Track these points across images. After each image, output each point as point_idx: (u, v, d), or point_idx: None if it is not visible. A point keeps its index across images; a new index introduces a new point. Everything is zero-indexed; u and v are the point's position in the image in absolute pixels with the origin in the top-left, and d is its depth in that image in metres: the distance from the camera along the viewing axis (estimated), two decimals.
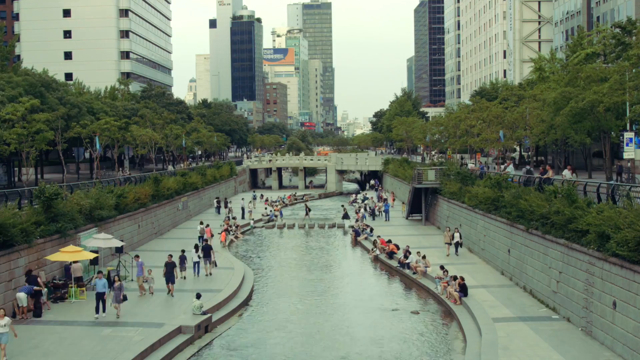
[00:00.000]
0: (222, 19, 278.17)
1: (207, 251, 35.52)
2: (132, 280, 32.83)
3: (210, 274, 35.03)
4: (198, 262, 35.05)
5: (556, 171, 45.33)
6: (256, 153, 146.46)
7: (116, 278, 26.45)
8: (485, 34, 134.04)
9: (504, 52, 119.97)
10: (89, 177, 60.20)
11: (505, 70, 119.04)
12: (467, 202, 41.30)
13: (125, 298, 26.00)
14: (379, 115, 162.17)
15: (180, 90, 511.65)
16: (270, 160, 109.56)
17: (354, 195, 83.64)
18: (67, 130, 54.48)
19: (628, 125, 36.83)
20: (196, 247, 37.15)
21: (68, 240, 30.48)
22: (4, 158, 50.51)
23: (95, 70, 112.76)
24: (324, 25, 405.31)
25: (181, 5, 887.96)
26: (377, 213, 60.18)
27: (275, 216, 63.70)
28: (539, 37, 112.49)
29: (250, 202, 66.93)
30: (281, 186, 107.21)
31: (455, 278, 30.02)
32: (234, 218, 58.12)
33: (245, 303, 30.86)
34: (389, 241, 42.44)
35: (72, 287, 28.79)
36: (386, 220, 57.63)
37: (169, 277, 29.89)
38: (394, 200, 66.60)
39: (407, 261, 37.03)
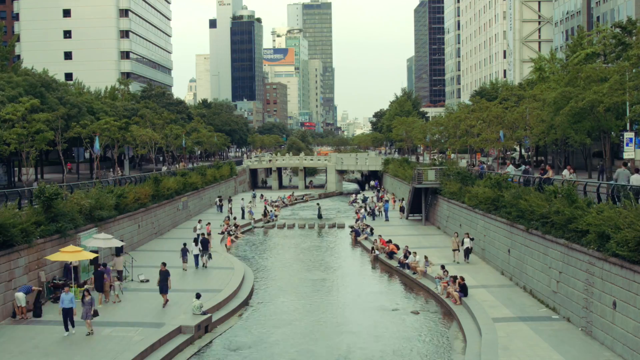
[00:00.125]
0: (222, 19, 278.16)
1: (205, 244, 38.31)
2: (132, 280, 32.90)
3: (205, 266, 37.12)
4: (198, 255, 37.34)
5: (556, 171, 45.32)
6: (256, 153, 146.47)
7: (86, 293, 23.95)
8: (485, 34, 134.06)
9: (504, 52, 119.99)
10: (89, 177, 60.19)
11: (505, 70, 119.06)
12: (467, 202, 41.31)
13: (96, 314, 23.78)
14: (379, 115, 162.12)
15: (180, 90, 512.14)
16: (270, 160, 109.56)
17: (354, 195, 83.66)
18: (67, 130, 54.48)
19: (628, 125, 36.81)
20: (195, 241, 38.62)
21: (68, 240, 30.47)
22: (4, 158, 50.52)
23: (95, 70, 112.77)
24: (324, 25, 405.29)
25: (181, 5, 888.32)
26: (377, 213, 60.18)
27: (276, 216, 63.77)
28: (539, 37, 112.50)
29: (250, 201, 66.99)
30: (281, 186, 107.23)
31: (455, 278, 30.03)
32: (234, 218, 58.15)
33: (245, 303, 30.87)
34: (389, 241, 42.46)
35: (72, 287, 28.77)
36: (386, 220, 57.67)
37: (163, 287, 27.72)
38: (394, 202, 66.52)
39: (407, 261, 37.05)
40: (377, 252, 42.82)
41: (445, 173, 50.30)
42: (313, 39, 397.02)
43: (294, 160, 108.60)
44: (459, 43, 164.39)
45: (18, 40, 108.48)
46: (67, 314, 23.49)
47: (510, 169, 43.07)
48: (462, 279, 29.58)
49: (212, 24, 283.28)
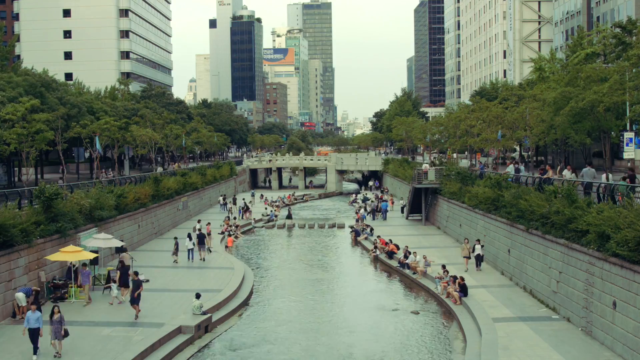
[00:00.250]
0: (222, 19, 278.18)
1: (201, 239, 39.41)
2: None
3: (204, 259, 38.75)
4: (192, 249, 38.38)
5: (556, 171, 45.29)
6: (256, 153, 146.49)
7: (55, 309, 21.38)
8: (485, 34, 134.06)
9: (504, 52, 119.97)
10: (89, 177, 60.19)
11: (505, 70, 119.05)
12: (467, 202, 41.31)
13: (67, 333, 21.30)
14: (379, 115, 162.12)
15: (180, 90, 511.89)
16: (270, 160, 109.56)
17: (354, 195, 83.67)
18: (67, 130, 54.47)
19: (628, 125, 36.83)
20: (189, 235, 39.52)
21: (68, 240, 30.48)
22: (4, 158, 50.51)
23: (95, 70, 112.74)
24: (324, 25, 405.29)
25: (181, 5, 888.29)
26: (377, 211, 60.31)
27: (276, 216, 63.80)
28: (539, 37, 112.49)
29: (250, 201, 67.10)
30: (281, 186, 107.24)
31: (455, 278, 30.03)
32: (234, 218, 58.16)
33: (245, 303, 30.87)
34: (389, 241, 42.47)
35: (72, 287, 28.80)
36: (383, 219, 57.73)
37: (134, 298, 25.46)
38: (392, 203, 66.45)
39: (407, 261, 37.04)
40: (377, 252, 42.83)
41: (445, 173, 50.32)
42: (313, 39, 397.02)
43: (294, 160, 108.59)
44: (459, 43, 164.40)
45: (18, 40, 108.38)
46: (34, 334, 21.10)
47: (511, 169, 43.04)
48: (462, 279, 29.58)
49: (212, 24, 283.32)
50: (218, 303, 28.58)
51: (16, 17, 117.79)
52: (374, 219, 58.24)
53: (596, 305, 22.17)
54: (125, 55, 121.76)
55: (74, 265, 29.67)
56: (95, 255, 30.65)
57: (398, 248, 40.79)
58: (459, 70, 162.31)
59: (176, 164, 78.77)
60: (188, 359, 23.11)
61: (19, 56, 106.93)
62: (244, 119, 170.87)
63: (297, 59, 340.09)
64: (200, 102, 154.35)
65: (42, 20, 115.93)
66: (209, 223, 46.25)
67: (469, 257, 34.70)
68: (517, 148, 73.50)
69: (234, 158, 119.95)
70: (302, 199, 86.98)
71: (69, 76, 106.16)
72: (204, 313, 26.29)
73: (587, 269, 22.91)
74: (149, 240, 45.65)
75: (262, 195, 79.92)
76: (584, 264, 23.18)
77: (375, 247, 43.43)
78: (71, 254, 28.05)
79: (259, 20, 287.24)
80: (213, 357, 23.51)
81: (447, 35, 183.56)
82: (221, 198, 69.07)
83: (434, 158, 70.34)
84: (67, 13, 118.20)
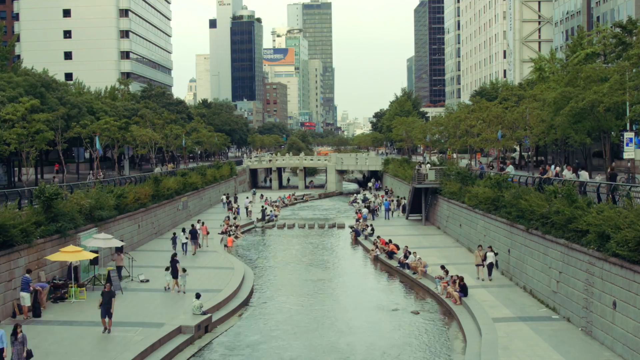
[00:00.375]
0: (222, 19, 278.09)
1: (193, 234, 41.93)
2: (132, 280, 32.91)
3: (194, 253, 41.32)
4: (186, 243, 41.57)
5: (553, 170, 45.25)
6: (256, 153, 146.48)
7: (18, 329, 19.23)
8: (485, 34, 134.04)
9: (504, 52, 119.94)
10: (86, 177, 60.13)
11: (505, 70, 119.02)
12: (467, 202, 41.31)
13: (30, 354, 19.46)
14: (379, 115, 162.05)
15: (180, 90, 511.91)
16: (270, 160, 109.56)
17: (354, 195, 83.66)
18: (67, 130, 54.45)
19: (628, 125, 36.78)
20: (183, 230, 42.97)
21: (68, 240, 30.48)
22: (4, 158, 50.50)
23: (95, 70, 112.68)
24: (324, 25, 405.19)
25: (181, 5, 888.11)
26: (377, 213, 60.36)
27: (276, 216, 63.80)
28: (539, 37, 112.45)
29: (251, 201, 67.09)
30: (281, 186, 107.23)
31: (455, 279, 30.04)
32: (234, 218, 58.16)
33: (245, 303, 30.87)
34: (389, 241, 42.46)
35: (72, 287, 28.80)
36: (386, 219, 57.82)
37: (106, 310, 23.67)
38: (399, 206, 66.22)
39: (407, 261, 37.04)
40: (377, 252, 42.83)
41: (445, 173, 50.32)
42: (313, 39, 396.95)
43: (294, 160, 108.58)
44: (459, 43, 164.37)
45: (18, 40, 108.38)
46: None
47: (510, 169, 43.09)
48: (462, 279, 29.59)
49: (212, 24, 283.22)
50: (218, 303, 28.58)
51: (16, 17, 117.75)
52: (373, 218, 58.25)
53: (596, 305, 22.17)
54: (125, 55, 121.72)
55: (74, 266, 29.70)
56: (95, 255, 30.67)
57: (398, 248, 40.79)
58: (459, 70, 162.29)
59: (170, 164, 77.95)
60: (188, 359, 23.11)
61: (19, 56, 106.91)
62: (244, 119, 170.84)
63: (297, 59, 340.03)
64: (200, 102, 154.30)
65: (42, 20, 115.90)
66: (203, 224, 46.41)
67: (482, 265, 32.29)
68: (517, 148, 73.47)
69: (234, 158, 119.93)
70: (302, 199, 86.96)
71: (69, 76, 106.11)
72: (204, 313, 26.29)
73: (587, 269, 22.91)
74: (149, 240, 45.66)
75: (262, 195, 79.91)
76: (584, 264, 23.18)
77: (376, 247, 43.42)
78: (71, 254, 28.06)
79: (259, 20, 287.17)
80: (213, 357, 23.51)
81: (447, 35, 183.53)
82: (224, 197, 69.14)
83: (425, 161, 69.75)
84: (67, 13, 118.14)
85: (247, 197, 69.02)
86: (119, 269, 32.65)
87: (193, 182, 61.81)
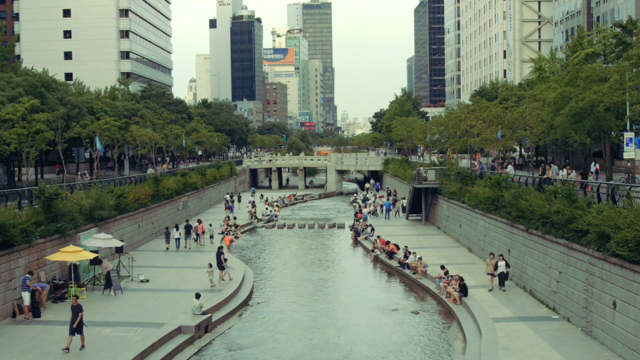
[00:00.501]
0: (222, 19, 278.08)
1: (187, 230, 44.46)
2: (132, 280, 32.91)
3: (189, 248, 43.25)
4: (179, 239, 43.16)
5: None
6: (256, 153, 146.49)
7: None
8: (485, 34, 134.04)
9: (504, 52, 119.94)
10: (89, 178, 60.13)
11: (505, 70, 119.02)
12: (467, 202, 41.31)
13: None
14: (379, 115, 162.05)
15: (180, 90, 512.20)
16: (270, 160, 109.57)
17: (354, 195, 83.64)
18: (67, 130, 54.43)
19: (628, 125, 36.77)
20: (177, 226, 44.49)
21: (68, 240, 30.48)
22: (4, 158, 50.49)
23: (95, 70, 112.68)
24: (324, 25, 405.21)
25: (181, 5, 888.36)
26: (378, 213, 60.36)
27: (276, 216, 63.79)
28: (539, 37, 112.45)
29: (253, 202, 67.17)
30: (281, 186, 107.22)
31: (454, 279, 30.03)
32: (234, 218, 58.18)
33: (245, 303, 30.88)
34: (389, 241, 42.45)
35: (72, 287, 28.80)
36: (386, 218, 57.86)
37: (75, 327, 21.74)
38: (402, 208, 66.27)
39: (407, 261, 37.03)
40: (377, 252, 42.82)
41: (445, 173, 50.31)
42: (313, 39, 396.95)
43: (294, 160, 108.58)
44: (459, 43, 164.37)
45: (18, 40, 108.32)
46: None
47: (510, 169, 43.08)
48: (462, 279, 29.59)
49: (212, 24, 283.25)
50: (218, 303, 28.58)
51: (16, 17, 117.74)
52: (374, 214, 58.52)
53: (596, 305, 22.17)
54: (125, 55, 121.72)
55: (74, 265, 29.70)
56: (95, 255, 30.67)
57: (398, 248, 40.79)
58: (459, 70, 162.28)
59: (165, 164, 77.03)
60: (188, 359, 23.11)
61: (19, 56, 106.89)
62: (244, 119, 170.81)
63: (297, 59, 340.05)
64: (200, 102, 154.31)
65: (42, 20, 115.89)
66: (201, 223, 46.88)
67: (493, 275, 30.32)
68: (517, 148, 73.45)
69: (234, 158, 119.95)
70: (303, 199, 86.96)
71: (69, 76, 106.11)
72: (204, 313, 26.29)
73: (587, 269, 22.91)
74: (149, 240, 45.68)
75: (262, 195, 79.92)
76: (584, 264, 23.18)
77: (375, 247, 43.42)
78: (71, 254, 28.06)
79: (259, 20, 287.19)
80: (213, 357, 23.51)
81: (447, 35, 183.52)
82: (227, 196, 69.54)
83: (432, 160, 69.96)
84: (67, 13, 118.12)
85: (253, 195, 69.83)
86: (117, 271, 32.65)
87: (193, 182, 61.84)
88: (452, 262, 36.00)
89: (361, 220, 55.44)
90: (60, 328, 24.06)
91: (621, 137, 34.69)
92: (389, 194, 70.62)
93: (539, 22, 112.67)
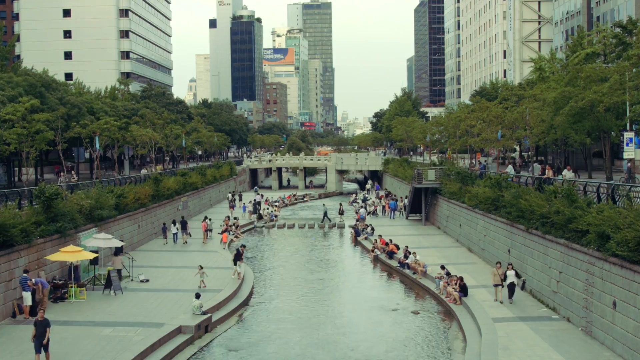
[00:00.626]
0: (222, 19, 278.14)
1: (184, 224, 45.58)
2: (132, 280, 32.90)
3: (186, 242, 44.90)
4: (176, 233, 44.86)
5: (555, 171, 45.29)
6: (256, 153, 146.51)
7: None
8: (485, 34, 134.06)
9: (504, 52, 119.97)
10: (88, 178, 60.18)
11: (505, 70, 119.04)
12: (467, 202, 41.30)
13: None
14: (378, 115, 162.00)
15: (180, 90, 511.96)
16: (270, 160, 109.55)
17: (354, 195, 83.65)
18: (67, 130, 54.44)
19: (628, 125, 36.78)
20: (174, 221, 46.22)
21: (68, 240, 30.47)
22: (4, 158, 50.49)
23: (95, 70, 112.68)
24: (324, 25, 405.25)
25: (181, 5, 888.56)
26: (378, 214, 60.38)
27: (276, 216, 63.78)
28: (539, 37, 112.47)
29: (251, 200, 67.21)
30: (281, 186, 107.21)
31: (455, 279, 30.03)
32: (234, 218, 58.18)
33: (245, 303, 30.87)
34: (389, 241, 42.45)
35: (72, 287, 28.80)
36: (391, 218, 58.30)
37: (40, 343, 20.08)
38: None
39: (407, 261, 37.03)
40: (377, 252, 42.82)
41: (445, 173, 50.31)
42: (313, 39, 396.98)
43: (294, 160, 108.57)
44: (459, 43, 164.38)
45: (18, 40, 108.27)
46: None
47: (510, 169, 43.07)
48: (462, 279, 29.58)
49: (212, 24, 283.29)
50: (218, 303, 28.58)
51: (16, 17, 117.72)
52: (374, 215, 58.67)
53: (596, 305, 22.17)
54: (125, 55, 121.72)
55: (74, 266, 29.69)
56: (95, 255, 30.67)
57: (398, 248, 40.78)
58: (459, 70, 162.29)
59: (160, 165, 74.49)
60: (188, 359, 23.11)
61: (19, 56, 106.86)
62: (244, 119, 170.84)
63: (297, 59, 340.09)
64: (200, 102, 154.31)
65: (42, 20, 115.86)
66: (204, 220, 48.17)
67: (501, 285, 27.93)
68: (517, 148, 73.46)
69: (234, 158, 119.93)
70: (303, 199, 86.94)
71: (69, 76, 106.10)
72: (204, 313, 26.29)
73: (587, 269, 22.91)
74: (149, 240, 45.68)
75: (262, 195, 79.85)
76: (584, 264, 23.18)
77: (375, 247, 43.42)
78: (71, 254, 28.06)
79: (259, 20, 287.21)
80: (213, 357, 23.52)
81: (447, 35, 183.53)
82: (230, 194, 69.67)
83: (432, 160, 70.02)
84: (67, 13, 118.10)
85: (258, 194, 70.23)
86: (119, 272, 32.65)
87: (193, 182, 61.85)
88: (452, 262, 36.00)
89: (359, 221, 55.43)
90: (61, 328, 24.06)
91: (621, 137, 34.70)
92: (387, 194, 70.71)
93: (539, 22, 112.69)
